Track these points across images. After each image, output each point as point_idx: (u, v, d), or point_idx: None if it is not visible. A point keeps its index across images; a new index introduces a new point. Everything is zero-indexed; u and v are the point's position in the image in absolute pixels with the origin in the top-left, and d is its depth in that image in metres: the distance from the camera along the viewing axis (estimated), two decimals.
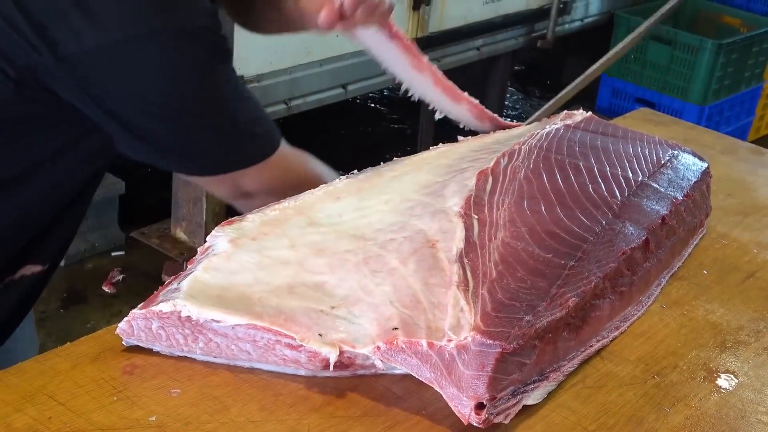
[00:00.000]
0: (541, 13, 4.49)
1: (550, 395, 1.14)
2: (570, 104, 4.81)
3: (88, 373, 1.09)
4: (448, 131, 1.71)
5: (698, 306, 1.38)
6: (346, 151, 4.32)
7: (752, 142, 4.46)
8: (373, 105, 5.06)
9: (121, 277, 3.21)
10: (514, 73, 5.33)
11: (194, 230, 3.29)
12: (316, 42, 3.40)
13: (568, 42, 4.89)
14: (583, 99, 4.98)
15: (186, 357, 1.13)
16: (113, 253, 3.36)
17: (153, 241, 3.41)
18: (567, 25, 4.70)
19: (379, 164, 1.46)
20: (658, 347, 1.27)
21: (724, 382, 1.22)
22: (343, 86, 3.61)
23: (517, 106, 5.36)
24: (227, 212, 3.25)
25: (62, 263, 3.21)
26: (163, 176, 3.37)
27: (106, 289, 3.16)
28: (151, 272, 3.24)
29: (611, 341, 1.26)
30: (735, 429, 1.14)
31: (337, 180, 1.40)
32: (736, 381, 1.22)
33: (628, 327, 1.30)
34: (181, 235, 3.37)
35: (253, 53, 3.17)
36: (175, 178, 3.29)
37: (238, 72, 3.11)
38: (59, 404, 1.03)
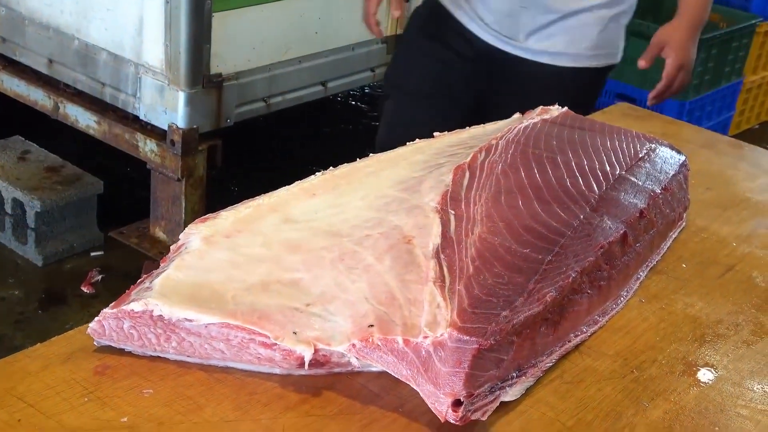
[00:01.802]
0: None
1: (528, 391, 1.12)
2: None
3: (58, 374, 1.07)
4: None
5: (677, 300, 1.38)
6: (327, 149, 4.30)
7: (733, 137, 4.47)
8: (353, 102, 5.04)
9: (100, 277, 3.17)
10: None
11: (173, 229, 3.26)
12: (295, 39, 3.38)
13: None
14: None
15: (159, 357, 1.11)
16: (92, 254, 3.32)
17: (132, 241, 3.38)
18: None
19: (356, 160, 1.45)
20: (637, 341, 1.26)
21: (703, 375, 1.21)
22: (323, 83, 3.59)
23: None
24: (206, 210, 3.23)
25: (40, 264, 3.20)
26: (142, 175, 3.34)
27: (84, 289, 3.12)
28: (130, 272, 3.21)
29: (590, 336, 1.25)
30: (714, 423, 1.13)
31: (313, 176, 1.38)
32: (716, 374, 1.22)
33: (606, 321, 1.29)
34: (160, 234, 3.35)
35: (232, 50, 3.15)
36: (154, 177, 3.26)
37: (216, 69, 3.11)
38: (29, 406, 1.01)
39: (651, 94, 2.20)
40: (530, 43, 2.19)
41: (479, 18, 2.21)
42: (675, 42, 2.17)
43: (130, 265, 3.26)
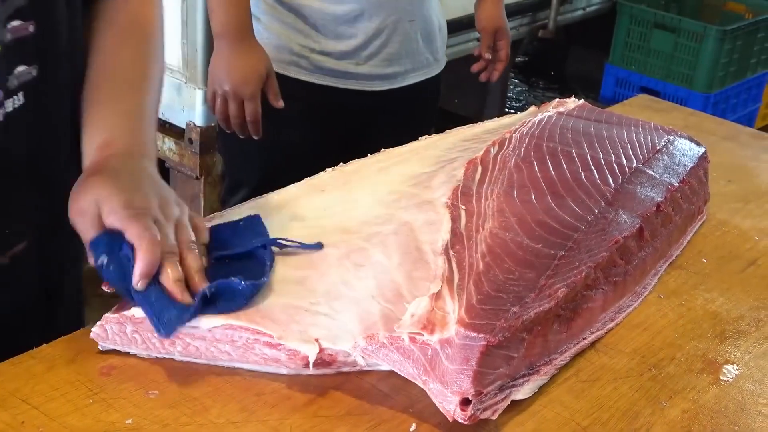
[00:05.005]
0: (542, 2, 4.44)
1: (542, 390, 1.10)
2: (571, 94, 4.76)
3: (63, 375, 1.05)
4: (451, 124, 1.65)
5: (697, 295, 1.34)
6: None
7: (759, 129, 4.40)
8: None
9: None
10: (516, 64, 5.28)
11: None
12: None
13: (570, 31, 4.83)
14: (587, 89, 4.93)
15: (165, 357, 1.09)
16: None
17: None
18: (569, 14, 4.65)
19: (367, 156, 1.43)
20: (655, 338, 1.23)
21: (723, 373, 1.18)
22: None
23: (521, 98, 5.31)
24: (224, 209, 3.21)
25: None
26: (160, 173, 3.34)
27: (105, 289, 3.12)
28: None
29: (606, 333, 1.22)
30: (734, 422, 1.10)
31: (323, 173, 1.36)
32: (736, 372, 1.18)
33: (623, 318, 1.25)
34: None
35: None
36: (172, 175, 3.26)
37: None
38: (33, 408, 1.00)
39: (494, 77, 2.33)
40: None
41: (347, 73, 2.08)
42: (502, 24, 2.28)
43: None
